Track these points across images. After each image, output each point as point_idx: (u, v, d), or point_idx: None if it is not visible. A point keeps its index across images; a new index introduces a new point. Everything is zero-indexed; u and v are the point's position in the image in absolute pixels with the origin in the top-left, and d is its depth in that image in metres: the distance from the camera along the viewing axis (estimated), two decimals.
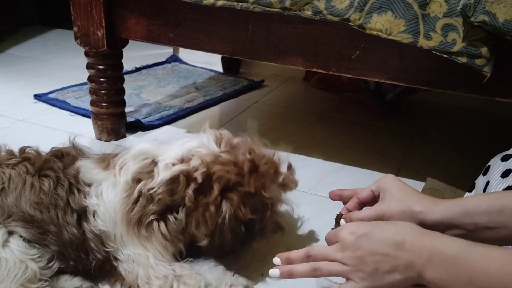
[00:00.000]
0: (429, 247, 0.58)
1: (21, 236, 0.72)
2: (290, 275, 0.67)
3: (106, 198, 0.77)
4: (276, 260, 0.69)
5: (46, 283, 0.73)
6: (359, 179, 1.23)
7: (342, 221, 0.74)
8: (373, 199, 0.76)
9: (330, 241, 0.68)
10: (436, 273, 0.56)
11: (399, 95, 1.77)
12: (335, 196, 0.82)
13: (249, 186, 0.77)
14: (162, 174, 0.76)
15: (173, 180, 0.76)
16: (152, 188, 0.76)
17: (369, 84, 1.76)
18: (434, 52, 0.89)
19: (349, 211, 0.77)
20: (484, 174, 0.86)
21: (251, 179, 0.77)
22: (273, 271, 0.68)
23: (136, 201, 0.76)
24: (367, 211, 0.73)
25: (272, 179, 0.81)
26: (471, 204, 0.65)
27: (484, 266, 0.53)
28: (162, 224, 0.77)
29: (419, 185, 1.12)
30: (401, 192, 0.71)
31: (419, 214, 0.67)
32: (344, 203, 0.80)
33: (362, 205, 0.77)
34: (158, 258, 0.77)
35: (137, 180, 0.77)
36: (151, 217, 0.76)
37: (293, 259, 0.68)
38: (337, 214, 0.77)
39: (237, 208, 0.76)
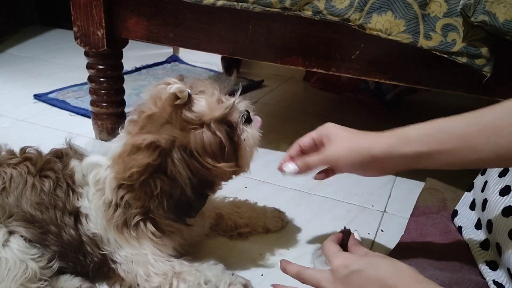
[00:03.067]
0: None
1: (22, 236, 0.72)
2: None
3: (92, 202, 0.77)
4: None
5: (46, 283, 0.73)
6: (359, 178, 1.22)
7: (287, 166, 0.76)
8: (313, 146, 0.77)
9: (325, 255, 0.69)
10: None
11: (399, 95, 1.77)
12: (295, 150, 0.80)
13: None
14: (107, 183, 0.75)
15: (117, 186, 0.75)
16: (122, 198, 0.75)
17: (369, 84, 1.76)
18: (434, 52, 0.89)
19: (291, 158, 0.78)
20: (483, 173, 0.86)
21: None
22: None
23: (115, 209, 0.75)
24: (314, 157, 0.74)
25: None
26: (413, 132, 0.68)
27: None
28: (148, 223, 0.76)
29: (419, 185, 1.12)
30: (344, 132, 0.73)
31: (367, 148, 0.69)
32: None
33: (303, 151, 0.78)
34: (156, 254, 0.77)
35: (98, 190, 0.76)
36: (136, 219, 0.76)
37: (287, 271, 0.70)
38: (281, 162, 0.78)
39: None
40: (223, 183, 0.80)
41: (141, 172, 0.71)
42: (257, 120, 0.81)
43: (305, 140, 0.78)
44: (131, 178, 0.72)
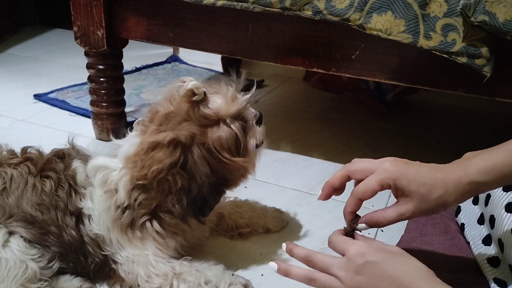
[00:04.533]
0: None
1: (22, 236, 0.72)
2: (285, 274, 0.66)
3: (98, 204, 0.76)
4: (272, 265, 0.68)
5: (46, 283, 0.73)
6: None
7: (360, 225, 0.67)
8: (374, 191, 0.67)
9: (335, 248, 0.65)
10: None
11: (399, 95, 1.78)
12: (327, 195, 0.72)
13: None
14: (121, 186, 0.75)
15: (132, 188, 0.75)
16: (135, 200, 0.75)
17: (369, 84, 1.76)
18: (434, 52, 0.89)
19: (353, 213, 0.69)
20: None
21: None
22: (272, 265, 0.68)
23: (123, 210, 0.76)
24: (390, 211, 0.65)
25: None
26: (485, 162, 0.61)
27: None
28: (155, 223, 0.76)
29: None
30: (420, 187, 0.62)
31: (443, 182, 0.62)
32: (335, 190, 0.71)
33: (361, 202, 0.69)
34: (158, 254, 0.77)
35: (106, 192, 0.76)
36: (143, 218, 0.76)
37: (294, 255, 0.68)
38: (349, 214, 0.68)
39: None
40: (237, 184, 0.80)
41: (162, 169, 0.71)
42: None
43: (368, 193, 0.66)
44: (150, 176, 0.72)
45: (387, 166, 0.66)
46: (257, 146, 0.80)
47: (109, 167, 0.77)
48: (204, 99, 0.73)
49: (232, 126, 0.74)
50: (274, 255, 0.91)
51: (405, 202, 0.64)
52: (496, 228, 0.79)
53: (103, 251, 0.77)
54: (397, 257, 0.60)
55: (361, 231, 0.69)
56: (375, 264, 0.59)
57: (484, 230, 0.86)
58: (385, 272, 0.58)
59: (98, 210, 0.76)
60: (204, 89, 0.73)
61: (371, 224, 0.67)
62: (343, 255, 0.63)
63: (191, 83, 0.72)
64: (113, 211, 0.76)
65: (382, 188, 0.65)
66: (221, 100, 0.74)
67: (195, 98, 0.72)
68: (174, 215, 0.76)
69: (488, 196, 0.84)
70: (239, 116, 0.76)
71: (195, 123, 0.72)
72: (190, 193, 0.72)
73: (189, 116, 0.72)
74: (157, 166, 0.71)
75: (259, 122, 0.80)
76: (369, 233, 0.99)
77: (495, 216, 0.80)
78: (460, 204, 0.97)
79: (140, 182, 0.74)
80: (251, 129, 0.79)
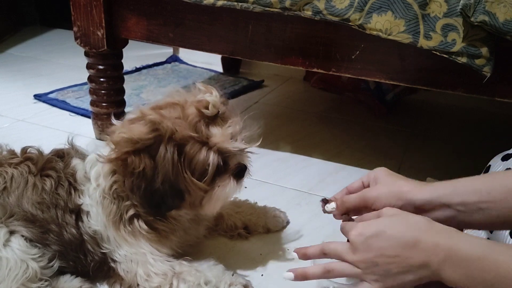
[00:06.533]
0: (446, 246, 0.56)
1: (22, 236, 0.72)
2: (304, 278, 0.66)
3: (92, 197, 0.77)
4: (288, 275, 0.67)
5: (46, 283, 0.73)
6: None
7: (327, 206, 0.74)
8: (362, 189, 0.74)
9: (344, 234, 0.67)
10: (455, 274, 0.55)
11: (399, 95, 1.78)
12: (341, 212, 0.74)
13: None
14: (102, 170, 0.76)
15: (111, 171, 0.75)
16: (111, 186, 0.75)
17: (369, 84, 1.76)
18: (434, 52, 0.89)
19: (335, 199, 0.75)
20: (486, 172, 0.86)
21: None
22: (288, 275, 0.67)
23: (110, 201, 0.76)
24: (352, 195, 0.72)
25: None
26: (461, 183, 0.64)
27: (510, 269, 0.51)
28: (140, 221, 0.76)
29: None
30: (390, 177, 0.70)
31: (407, 194, 0.66)
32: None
33: (349, 194, 0.75)
34: (155, 253, 0.77)
35: (99, 185, 0.77)
36: (129, 213, 0.75)
37: (310, 255, 0.68)
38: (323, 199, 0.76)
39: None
40: (195, 206, 0.77)
41: (129, 141, 0.70)
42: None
43: (355, 183, 0.75)
44: (118, 145, 0.71)
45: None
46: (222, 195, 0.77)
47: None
48: (212, 117, 0.73)
49: (211, 155, 0.72)
50: (274, 255, 0.91)
51: (372, 186, 0.72)
52: (495, 231, 0.79)
53: (102, 249, 0.77)
54: (394, 219, 0.62)
55: (330, 213, 0.74)
56: (376, 236, 0.60)
57: (483, 234, 0.86)
58: (388, 239, 0.59)
59: (94, 204, 0.76)
60: (220, 111, 0.73)
61: (338, 205, 0.73)
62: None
63: (213, 97, 0.73)
64: (101, 202, 0.75)
65: (367, 178, 0.73)
66: (222, 131, 0.73)
67: (205, 111, 0.72)
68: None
69: None
70: (223, 154, 0.74)
71: (186, 129, 0.71)
72: (151, 184, 0.71)
73: (186, 118, 0.72)
74: (126, 135, 0.71)
75: (239, 174, 0.77)
76: None
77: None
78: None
79: (111, 156, 0.73)
80: (229, 176, 0.76)
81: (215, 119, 0.74)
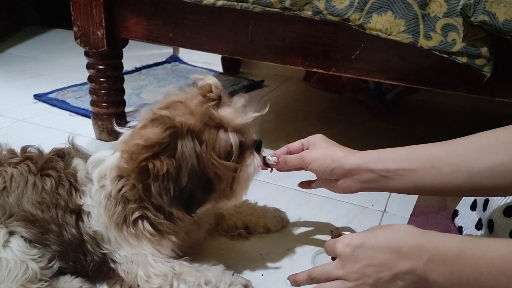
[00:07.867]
0: (428, 248, 0.57)
1: (22, 236, 0.72)
2: None
3: (94, 198, 0.76)
4: None
5: (46, 284, 0.73)
6: None
7: (268, 157, 0.82)
8: (300, 150, 0.83)
9: (328, 251, 0.69)
10: (439, 276, 0.55)
11: (399, 95, 1.77)
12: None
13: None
14: (108, 174, 0.75)
15: (118, 175, 0.75)
16: (119, 190, 0.74)
17: (369, 84, 1.76)
18: (434, 52, 0.89)
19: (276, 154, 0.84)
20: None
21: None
22: None
23: (115, 204, 0.75)
24: (293, 155, 0.82)
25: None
26: (386, 152, 0.74)
27: (488, 260, 0.52)
28: (145, 222, 0.76)
29: None
30: (327, 143, 0.81)
31: (340, 158, 0.76)
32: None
33: (290, 153, 0.84)
34: (156, 255, 0.77)
35: (102, 186, 0.76)
36: (135, 215, 0.75)
37: (299, 282, 0.70)
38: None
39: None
40: (224, 194, 0.77)
41: (146, 146, 0.70)
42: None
43: (295, 144, 0.84)
44: (134, 154, 0.70)
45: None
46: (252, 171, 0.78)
47: (106, 160, 0.77)
48: (217, 100, 0.73)
49: (230, 135, 0.74)
50: (274, 255, 0.91)
51: (310, 149, 0.81)
52: (495, 232, 0.79)
53: (102, 250, 0.77)
54: (379, 230, 0.64)
55: (272, 164, 0.83)
56: (363, 246, 0.61)
57: (482, 235, 0.86)
58: (374, 247, 0.61)
59: (96, 206, 0.76)
60: (222, 92, 0.74)
61: (280, 161, 0.83)
62: (336, 256, 0.65)
63: (212, 79, 0.73)
64: (105, 205, 0.75)
65: (306, 141, 0.84)
66: (230, 109, 0.75)
67: (210, 95, 0.72)
68: (161, 213, 0.75)
69: (487, 201, 0.84)
70: (240, 131, 0.76)
71: (198, 119, 0.71)
72: (178, 183, 0.70)
73: (196, 110, 0.72)
74: (143, 142, 0.70)
75: (258, 148, 0.80)
76: None
77: (494, 220, 0.80)
78: (457, 208, 0.97)
79: (124, 165, 0.72)
80: (251, 152, 0.78)
81: (220, 101, 0.75)
